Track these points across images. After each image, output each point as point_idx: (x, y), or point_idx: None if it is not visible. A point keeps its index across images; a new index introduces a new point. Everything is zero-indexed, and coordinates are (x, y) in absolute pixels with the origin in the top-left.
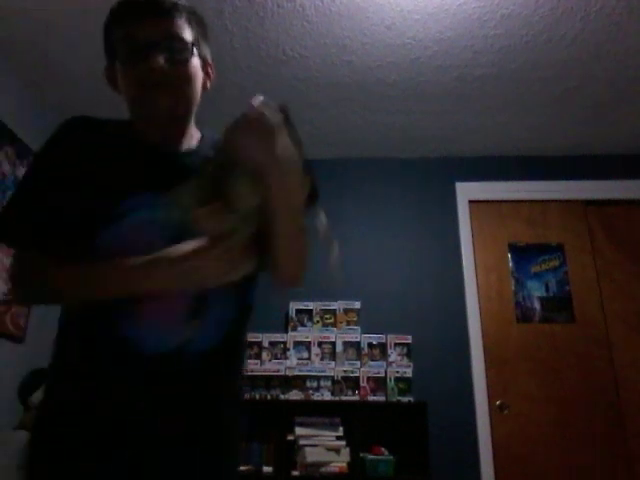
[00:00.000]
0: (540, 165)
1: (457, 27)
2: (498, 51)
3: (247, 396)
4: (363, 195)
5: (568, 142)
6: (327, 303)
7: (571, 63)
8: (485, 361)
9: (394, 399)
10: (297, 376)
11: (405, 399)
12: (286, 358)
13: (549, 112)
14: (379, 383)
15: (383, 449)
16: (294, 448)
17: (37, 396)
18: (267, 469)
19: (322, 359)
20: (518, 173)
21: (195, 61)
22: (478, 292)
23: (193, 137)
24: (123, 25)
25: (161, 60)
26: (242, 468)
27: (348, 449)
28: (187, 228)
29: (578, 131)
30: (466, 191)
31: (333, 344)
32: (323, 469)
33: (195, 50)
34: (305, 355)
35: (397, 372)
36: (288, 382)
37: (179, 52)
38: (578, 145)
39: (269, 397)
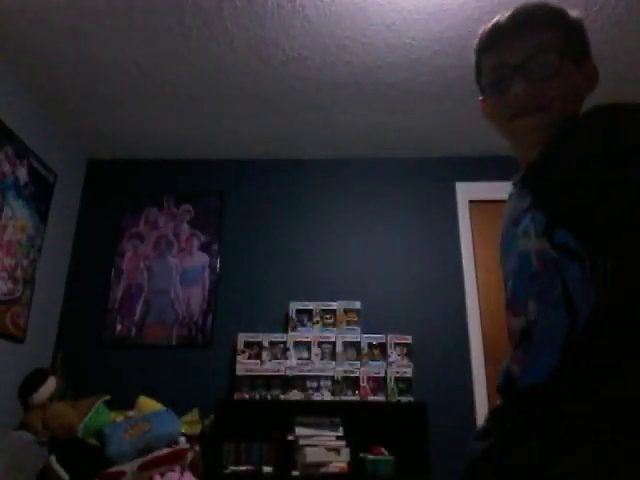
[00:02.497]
0: None
1: (457, 27)
2: None
3: (247, 396)
4: (363, 195)
5: None
6: (327, 303)
7: None
8: (485, 361)
9: (394, 399)
10: (297, 376)
11: (405, 399)
12: (286, 358)
13: None
14: (379, 383)
15: (383, 449)
16: (294, 448)
17: (37, 396)
18: (267, 469)
19: (322, 359)
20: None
21: (565, 72)
22: (478, 292)
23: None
24: (485, 54)
25: (519, 87)
26: (242, 468)
27: (348, 449)
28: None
29: None
30: (466, 191)
31: (333, 344)
32: (323, 469)
33: (560, 60)
34: (305, 355)
35: (397, 372)
36: (288, 382)
37: (545, 68)
38: None
39: (269, 397)
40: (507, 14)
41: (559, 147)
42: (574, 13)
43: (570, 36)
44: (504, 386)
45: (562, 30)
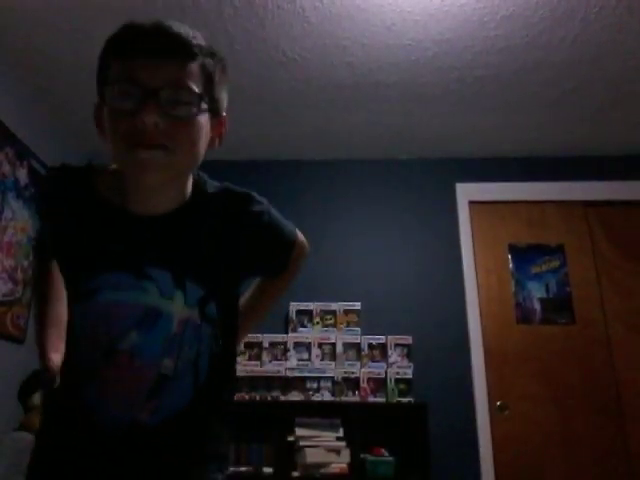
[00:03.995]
0: (540, 166)
1: (457, 28)
2: (498, 52)
3: (247, 397)
4: (363, 196)
5: (568, 143)
6: (327, 304)
7: (571, 64)
8: (485, 362)
9: (394, 400)
10: (297, 377)
11: (405, 400)
12: (286, 359)
13: (549, 113)
14: (379, 384)
15: (383, 450)
16: (294, 449)
17: (37, 397)
18: (267, 470)
19: (322, 360)
20: (518, 174)
21: (202, 118)
22: (478, 293)
23: (182, 198)
24: (118, 59)
25: (155, 116)
26: (242, 469)
27: (348, 450)
28: (154, 310)
29: (578, 132)
30: (466, 192)
31: (333, 345)
32: (323, 470)
33: (204, 105)
34: (305, 356)
35: (397, 373)
36: (288, 383)
37: (182, 106)
38: (578, 146)
39: (269, 398)
40: (152, 24)
41: (199, 219)
42: (223, 62)
43: (212, 84)
44: (120, 431)
45: (207, 74)
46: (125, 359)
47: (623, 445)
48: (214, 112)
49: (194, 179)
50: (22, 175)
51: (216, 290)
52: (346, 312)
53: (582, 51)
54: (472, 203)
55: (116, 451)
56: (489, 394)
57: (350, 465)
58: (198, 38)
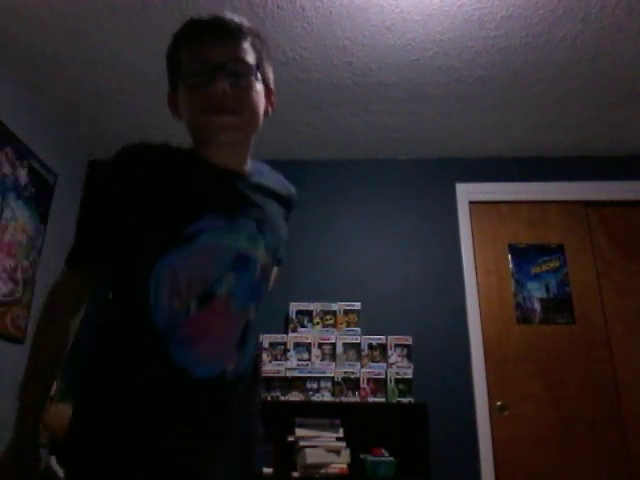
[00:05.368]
0: (540, 166)
1: (457, 28)
2: (498, 52)
3: None
4: (363, 196)
5: (568, 143)
6: (327, 304)
7: (571, 64)
8: (485, 362)
9: (394, 400)
10: (297, 377)
11: (405, 400)
12: (286, 359)
13: (549, 113)
14: (379, 384)
15: (383, 450)
16: (294, 449)
17: None
18: (267, 470)
19: (322, 360)
20: (518, 174)
21: (259, 86)
22: (478, 293)
23: (246, 162)
24: (189, 46)
25: (226, 84)
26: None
27: (348, 450)
28: (245, 254)
29: (578, 132)
30: (466, 192)
31: (333, 345)
32: (323, 470)
33: (259, 75)
34: (305, 356)
35: (397, 373)
36: (288, 383)
37: (244, 76)
38: (578, 146)
39: (269, 398)
40: (209, 17)
41: (263, 184)
42: (267, 44)
43: (262, 59)
44: (213, 379)
45: (257, 51)
46: (222, 304)
47: (623, 445)
48: (265, 84)
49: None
50: (22, 175)
51: (277, 246)
52: (346, 312)
53: (582, 51)
54: (472, 203)
55: (203, 401)
56: (489, 394)
57: (350, 465)
58: (245, 23)
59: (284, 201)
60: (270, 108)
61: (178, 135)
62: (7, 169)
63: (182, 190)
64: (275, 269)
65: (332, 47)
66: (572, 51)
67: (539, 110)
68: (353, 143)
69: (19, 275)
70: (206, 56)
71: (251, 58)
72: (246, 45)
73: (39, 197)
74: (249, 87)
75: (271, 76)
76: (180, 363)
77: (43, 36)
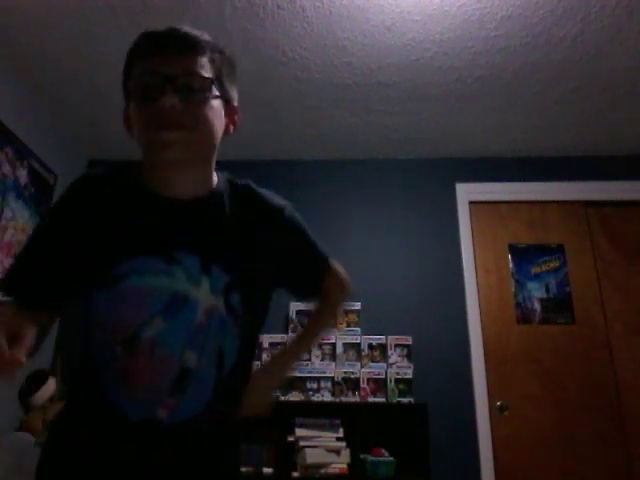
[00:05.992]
0: (540, 166)
1: (457, 28)
2: (498, 52)
3: None
4: (363, 196)
5: (568, 143)
6: None
7: (571, 64)
8: (485, 362)
9: (394, 400)
10: (297, 377)
11: (405, 400)
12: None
13: (549, 113)
14: (379, 384)
15: (383, 450)
16: (294, 449)
17: (37, 397)
18: (267, 470)
19: (322, 360)
20: (518, 174)
21: (215, 102)
22: (478, 293)
23: (207, 183)
24: (140, 59)
25: (174, 98)
26: (242, 469)
27: (348, 450)
28: (180, 296)
29: (578, 132)
30: (466, 192)
31: (333, 345)
32: (323, 470)
33: (215, 90)
34: (305, 356)
35: (397, 373)
36: (288, 383)
37: (197, 91)
38: (578, 146)
39: None
40: (165, 29)
41: (225, 208)
42: (230, 58)
43: (221, 74)
44: (143, 426)
45: (216, 66)
46: (147, 348)
47: (623, 445)
48: (226, 100)
49: (218, 175)
50: (22, 175)
51: (241, 279)
52: (346, 312)
53: (582, 51)
54: (472, 203)
55: (132, 445)
56: (489, 394)
57: (350, 465)
58: (206, 36)
59: (265, 219)
60: (232, 126)
61: None
62: (7, 169)
63: (114, 228)
64: (322, 311)
65: (332, 47)
66: (572, 51)
67: (539, 110)
68: (353, 143)
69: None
70: (156, 69)
71: (207, 73)
72: (203, 59)
73: (39, 197)
74: (202, 102)
75: (234, 93)
76: (115, 401)
77: (43, 36)
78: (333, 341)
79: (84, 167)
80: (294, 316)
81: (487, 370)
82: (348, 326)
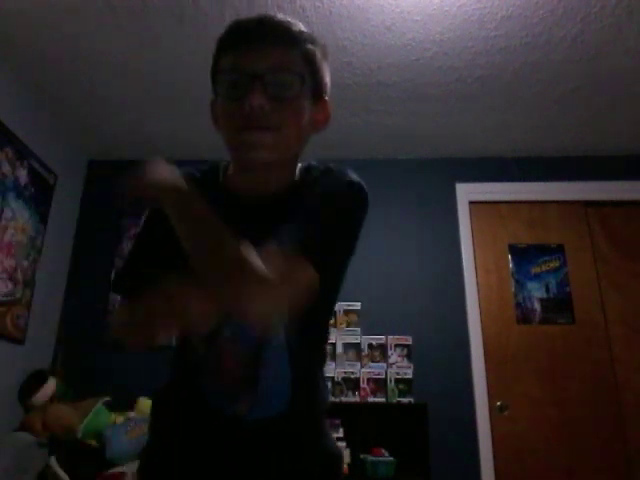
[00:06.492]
0: (540, 166)
1: (457, 29)
2: (498, 52)
3: None
4: None
5: (568, 143)
6: None
7: (571, 64)
8: (485, 362)
9: (394, 400)
10: None
11: (405, 400)
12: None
13: (549, 113)
14: (379, 384)
15: (383, 450)
16: None
17: (37, 398)
18: None
19: None
20: (518, 174)
21: (305, 101)
22: (478, 293)
23: (289, 180)
24: (227, 52)
25: (262, 98)
26: None
27: (348, 450)
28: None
29: (578, 132)
30: (466, 192)
31: (333, 345)
32: None
33: (306, 87)
34: None
35: (397, 373)
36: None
37: (287, 89)
38: (578, 146)
39: None
40: (256, 18)
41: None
42: (323, 48)
43: (314, 68)
44: (219, 421)
45: (308, 59)
46: (229, 344)
47: (623, 445)
48: (317, 95)
49: (303, 165)
50: (22, 175)
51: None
52: (346, 312)
53: (582, 51)
54: (472, 203)
55: (221, 441)
56: (489, 394)
57: (350, 465)
58: (299, 26)
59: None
60: (322, 123)
61: (179, 134)
62: (7, 169)
63: None
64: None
65: (332, 47)
66: (572, 51)
67: (539, 110)
68: (353, 143)
69: (19, 275)
70: (244, 64)
71: (299, 68)
72: (294, 53)
73: (39, 197)
74: (292, 101)
75: (327, 86)
76: (201, 395)
77: (43, 36)
78: (333, 341)
79: (84, 167)
80: None
81: (487, 370)
82: (348, 326)
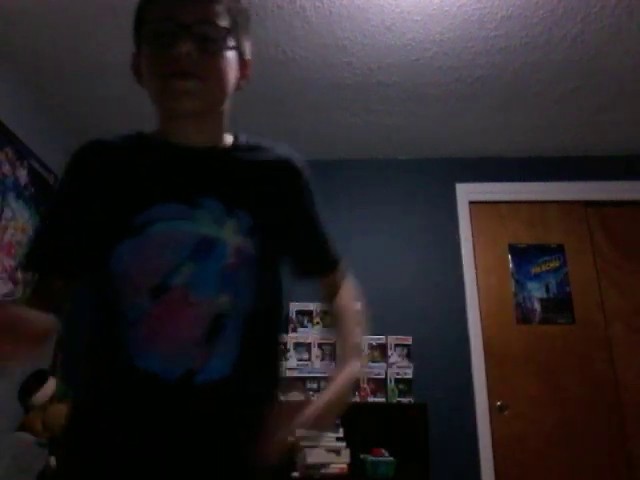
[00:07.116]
0: (540, 166)
1: (457, 28)
2: (498, 52)
3: None
4: (363, 196)
5: (568, 143)
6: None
7: (571, 64)
8: (485, 362)
9: (394, 400)
10: (297, 377)
11: (405, 400)
12: (286, 359)
13: (549, 113)
14: (379, 384)
15: (383, 450)
16: (294, 449)
17: (37, 398)
18: None
19: (322, 360)
20: (518, 174)
21: (229, 53)
22: (478, 293)
23: (221, 137)
24: (153, 4)
25: (190, 46)
26: None
27: (348, 450)
28: (208, 238)
29: (578, 132)
30: (466, 192)
31: (333, 345)
32: (323, 470)
33: (231, 41)
34: (305, 356)
35: (397, 373)
36: (288, 383)
37: (212, 40)
38: (578, 146)
39: None
40: None
41: (244, 157)
42: (246, 11)
43: (238, 25)
44: (176, 381)
45: (233, 15)
46: (178, 295)
47: (623, 445)
48: (240, 53)
49: (234, 132)
50: (22, 175)
51: (264, 225)
52: None
53: (582, 51)
54: (472, 203)
55: (165, 409)
56: (489, 394)
57: (350, 465)
58: None
59: (282, 169)
60: (243, 80)
61: None
62: (7, 169)
63: (130, 180)
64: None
65: (332, 47)
66: (572, 51)
67: (539, 110)
68: (353, 143)
69: (19, 275)
70: (172, 15)
71: (224, 22)
72: (220, 8)
73: (39, 197)
74: (218, 52)
75: (248, 46)
76: (143, 364)
77: (43, 36)
78: (333, 341)
79: None
80: (294, 316)
81: (487, 370)
82: None
